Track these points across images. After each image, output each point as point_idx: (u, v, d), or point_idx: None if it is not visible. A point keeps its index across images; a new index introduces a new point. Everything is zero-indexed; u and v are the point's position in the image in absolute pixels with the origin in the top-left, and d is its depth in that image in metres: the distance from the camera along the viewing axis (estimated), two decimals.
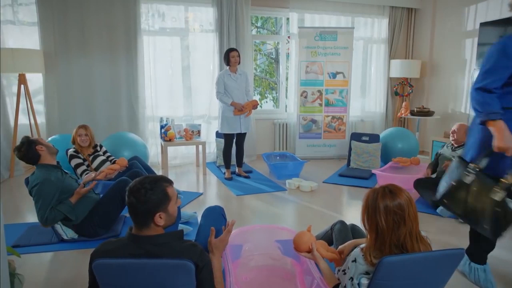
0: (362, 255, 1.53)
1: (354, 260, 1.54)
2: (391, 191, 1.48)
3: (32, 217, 3.23)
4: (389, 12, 5.99)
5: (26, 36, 4.66)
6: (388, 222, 1.44)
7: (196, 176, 4.84)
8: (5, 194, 3.98)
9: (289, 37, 5.80)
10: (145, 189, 1.44)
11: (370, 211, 1.49)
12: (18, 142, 2.68)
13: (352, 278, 1.53)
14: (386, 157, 4.98)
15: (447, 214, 3.31)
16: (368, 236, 1.54)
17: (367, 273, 1.50)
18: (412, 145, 5.03)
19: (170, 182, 1.55)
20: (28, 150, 2.60)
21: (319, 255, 1.79)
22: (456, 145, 3.67)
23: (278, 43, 6.16)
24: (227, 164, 4.59)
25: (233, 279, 1.77)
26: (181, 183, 4.44)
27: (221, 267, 1.76)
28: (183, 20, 5.24)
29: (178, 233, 1.52)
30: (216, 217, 1.96)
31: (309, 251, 1.83)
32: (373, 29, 6.08)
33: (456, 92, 5.60)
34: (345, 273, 1.59)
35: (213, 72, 5.29)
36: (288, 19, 5.76)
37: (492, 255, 2.33)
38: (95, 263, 1.38)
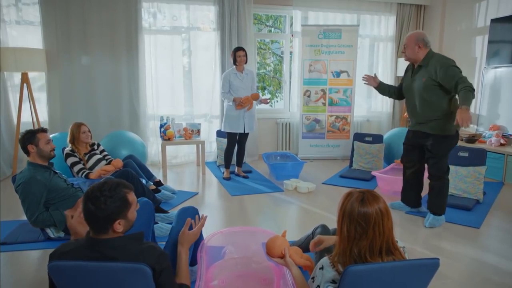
0: (330, 262, 1.47)
1: (322, 268, 1.48)
2: (362, 199, 1.39)
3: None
4: (396, 9, 5.83)
5: (29, 35, 4.73)
6: (350, 231, 1.38)
7: (195, 175, 4.81)
8: (7, 190, 4.04)
9: (292, 35, 5.71)
10: (104, 197, 1.40)
11: (339, 213, 1.45)
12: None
13: (319, 286, 1.46)
14: (389, 158, 4.84)
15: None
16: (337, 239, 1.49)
17: (333, 281, 1.43)
18: None
19: (130, 188, 1.51)
20: (22, 142, 2.68)
21: (291, 261, 1.72)
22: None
23: (282, 41, 6.07)
24: (227, 164, 4.54)
25: (202, 283, 1.72)
26: (179, 183, 4.42)
27: (187, 261, 1.75)
28: (184, 19, 5.22)
29: (137, 235, 1.48)
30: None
31: (282, 256, 1.76)
32: (380, 27, 5.92)
33: None
34: (313, 281, 1.53)
35: (215, 71, 5.25)
36: (291, 17, 5.67)
37: (488, 263, 2.19)
38: (50, 265, 1.35)
